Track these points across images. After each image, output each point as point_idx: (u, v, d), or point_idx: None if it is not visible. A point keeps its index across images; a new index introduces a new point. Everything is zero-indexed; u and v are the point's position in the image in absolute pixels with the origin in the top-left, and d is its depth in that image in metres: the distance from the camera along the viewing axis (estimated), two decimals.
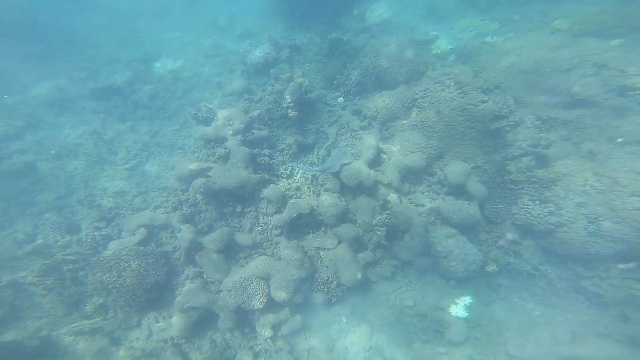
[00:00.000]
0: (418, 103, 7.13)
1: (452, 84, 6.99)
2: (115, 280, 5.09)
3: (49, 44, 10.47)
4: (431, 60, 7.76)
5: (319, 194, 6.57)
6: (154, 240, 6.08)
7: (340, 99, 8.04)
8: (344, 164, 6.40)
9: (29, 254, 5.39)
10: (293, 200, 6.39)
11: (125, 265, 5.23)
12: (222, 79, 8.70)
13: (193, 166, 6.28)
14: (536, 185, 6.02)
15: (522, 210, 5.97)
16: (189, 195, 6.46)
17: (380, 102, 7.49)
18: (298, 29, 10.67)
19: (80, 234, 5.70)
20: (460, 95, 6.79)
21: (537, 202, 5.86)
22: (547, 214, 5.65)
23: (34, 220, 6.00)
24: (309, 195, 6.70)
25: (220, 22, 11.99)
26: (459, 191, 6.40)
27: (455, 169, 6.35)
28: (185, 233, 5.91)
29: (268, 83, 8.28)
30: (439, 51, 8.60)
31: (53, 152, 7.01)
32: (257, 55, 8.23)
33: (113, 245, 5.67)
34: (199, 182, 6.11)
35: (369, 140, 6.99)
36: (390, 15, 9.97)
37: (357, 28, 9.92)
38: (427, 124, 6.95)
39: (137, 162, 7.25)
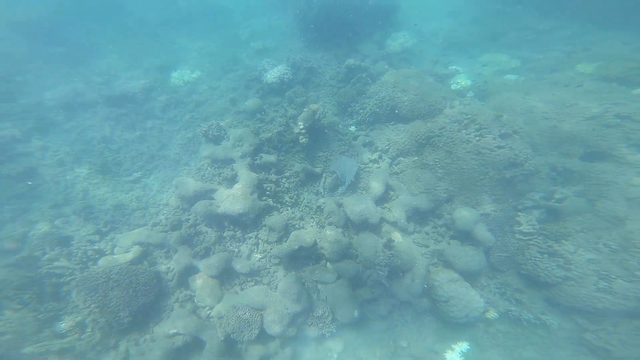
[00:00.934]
0: (432, 141, 6.89)
1: (470, 124, 6.72)
2: (101, 300, 4.85)
3: (73, 45, 10.57)
4: (450, 96, 7.52)
5: (323, 226, 6.37)
6: (147, 259, 5.85)
7: (353, 128, 7.85)
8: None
9: (11, 265, 5.12)
10: (296, 232, 6.18)
11: (114, 284, 5.00)
12: (237, 95, 8.60)
13: (197, 188, 6.07)
14: (545, 239, 5.91)
15: (529, 261, 5.85)
16: (189, 215, 6.26)
17: (394, 135, 7.29)
18: (316, 49, 10.61)
19: (71, 247, 5.43)
20: (477, 138, 6.53)
21: (545, 255, 5.73)
22: (555, 267, 5.59)
23: (25, 227, 5.77)
24: (312, 226, 6.49)
25: (241, 36, 12.07)
26: (465, 236, 6.18)
27: (463, 216, 6.15)
28: (181, 255, 5.73)
29: (281, 104, 8.14)
30: (458, 86, 8.42)
31: (57, 158, 6.87)
32: (273, 75, 8.14)
33: (103, 262, 5.46)
34: (202, 204, 5.96)
35: (379, 175, 6.83)
36: (412, 45, 9.88)
37: (376, 55, 9.81)
38: (439, 164, 6.72)
39: (141, 175, 7.07)
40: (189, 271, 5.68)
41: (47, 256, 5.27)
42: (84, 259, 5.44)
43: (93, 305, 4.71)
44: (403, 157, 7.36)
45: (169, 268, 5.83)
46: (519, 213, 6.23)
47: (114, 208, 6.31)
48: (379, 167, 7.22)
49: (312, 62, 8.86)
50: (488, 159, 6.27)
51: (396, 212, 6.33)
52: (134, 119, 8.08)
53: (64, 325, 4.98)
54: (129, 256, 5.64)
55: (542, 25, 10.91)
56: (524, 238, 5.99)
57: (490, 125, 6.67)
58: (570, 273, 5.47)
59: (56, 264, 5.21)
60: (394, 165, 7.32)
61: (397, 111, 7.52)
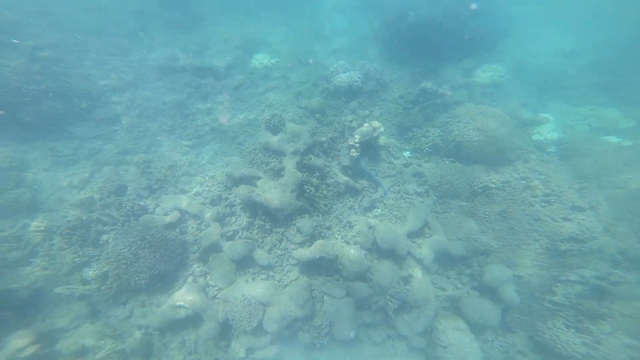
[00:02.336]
0: (490, 193, 6.20)
1: (539, 186, 5.87)
2: (130, 257, 5.27)
3: (187, 13, 11.69)
4: (527, 147, 6.65)
5: (348, 242, 6.34)
6: (180, 226, 6.21)
7: (407, 154, 7.42)
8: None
9: (74, 205, 5.82)
10: (322, 242, 6.14)
11: (146, 245, 5.42)
12: (303, 89, 8.74)
13: (245, 171, 6.32)
14: (579, 314, 5.42)
15: (550, 330, 5.41)
16: (229, 194, 6.52)
17: (449, 174, 6.78)
18: (393, 61, 10.26)
19: (123, 197, 6.01)
20: (543, 204, 5.71)
21: (572, 330, 5.29)
22: (579, 343, 5.12)
23: (94, 167, 6.53)
24: (337, 239, 6.49)
25: (323, 31, 12.15)
26: (488, 290, 5.84)
27: (495, 273, 5.79)
28: (211, 232, 6.03)
29: (343, 109, 7.98)
30: (541, 138, 7.41)
31: (137, 111, 7.67)
32: (343, 80, 8.04)
33: (144, 220, 5.97)
34: (244, 189, 6.22)
35: (420, 210, 6.61)
36: (504, 81, 8.85)
37: (457, 82, 9.10)
38: (488, 218, 6.16)
39: (198, 142, 7.55)
40: (213, 249, 5.94)
41: (102, 202, 5.88)
42: (129, 213, 5.97)
43: (122, 261, 5.12)
44: (451, 199, 6.90)
45: (196, 240, 6.13)
46: (558, 284, 5.66)
47: (168, 168, 6.83)
48: (422, 202, 6.93)
49: (385, 76, 8.51)
50: (547, 228, 5.70)
51: (425, 250, 6.17)
52: (210, 90, 8.70)
53: (91, 273, 5.55)
54: (167, 219, 6.08)
55: None
56: (553, 307, 5.52)
57: (564, 194, 5.85)
58: (596, 353, 4.97)
59: (107, 211, 5.79)
60: (438, 204, 6.97)
61: (461, 149, 6.89)
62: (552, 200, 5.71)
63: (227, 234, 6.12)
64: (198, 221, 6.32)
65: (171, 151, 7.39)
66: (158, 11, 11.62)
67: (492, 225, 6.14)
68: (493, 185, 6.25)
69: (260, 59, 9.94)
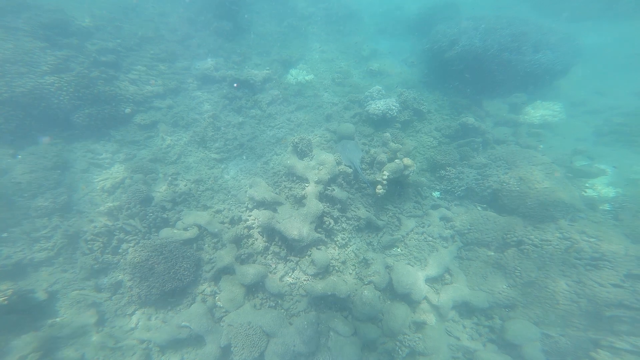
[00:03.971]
0: (524, 248, 5.65)
1: (586, 249, 5.25)
2: (146, 271, 5.46)
3: (235, 22, 12.13)
4: (576, 204, 5.96)
5: (362, 279, 6.23)
6: (197, 242, 6.39)
7: (436, 194, 7.04)
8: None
9: (102, 212, 6.12)
10: (335, 279, 6.09)
11: (163, 260, 5.59)
12: (334, 112, 8.61)
13: (267, 196, 6.45)
14: None
15: None
16: (249, 215, 6.58)
17: (481, 222, 6.39)
18: (433, 88, 9.79)
19: (148, 208, 6.29)
20: (587, 268, 5.28)
21: None
22: None
23: (126, 173, 6.95)
24: (351, 274, 6.39)
25: (363, 52, 11.92)
26: (509, 345, 5.43)
27: (520, 330, 5.40)
28: (226, 253, 6.13)
29: (374, 136, 7.73)
30: (594, 193, 6.58)
31: (173, 119, 7.98)
32: (378, 107, 7.83)
33: (164, 233, 6.18)
34: (265, 215, 6.31)
35: (443, 256, 6.37)
36: (558, 121, 8.04)
37: (501, 117, 8.52)
38: (519, 274, 5.71)
39: (226, 157, 7.69)
40: (226, 270, 6.03)
41: (128, 211, 6.15)
42: (151, 225, 6.24)
43: (137, 274, 5.28)
44: (478, 247, 6.54)
45: (211, 259, 6.24)
46: (599, 350, 5.02)
47: (193, 181, 7.02)
48: (447, 247, 6.64)
49: (424, 106, 8.10)
50: (590, 292, 5.15)
51: (444, 297, 5.98)
52: (243, 104, 8.85)
53: (107, 280, 5.80)
54: (186, 235, 6.25)
55: None
56: None
57: (618, 260, 5.19)
58: None
59: (131, 221, 6.04)
60: (463, 250, 6.67)
61: (498, 197, 6.38)
62: (602, 265, 5.06)
63: (242, 256, 6.18)
64: (215, 240, 6.45)
65: (199, 163, 7.62)
66: (210, 19, 12.11)
67: (522, 281, 5.68)
68: (529, 242, 5.69)
69: (296, 75, 9.98)
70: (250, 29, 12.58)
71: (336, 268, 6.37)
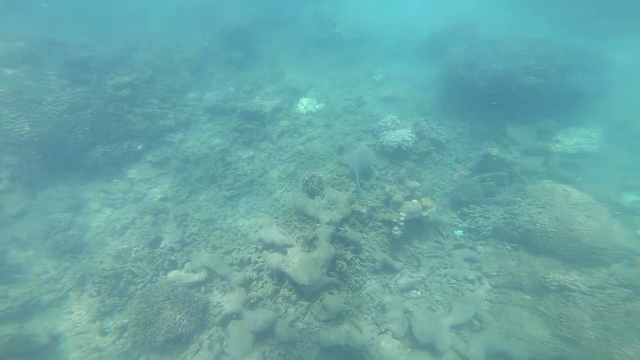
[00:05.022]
0: (567, 296, 5.04)
1: None
2: (151, 316, 5.35)
3: (246, 51, 12.54)
4: (629, 245, 5.27)
5: (379, 326, 5.83)
6: (205, 284, 6.26)
7: (459, 233, 6.59)
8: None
9: (110, 255, 6.11)
10: (349, 329, 5.73)
11: (169, 305, 5.50)
12: (346, 143, 8.33)
13: (277, 238, 6.31)
14: None
15: None
16: (259, 257, 6.39)
17: (512, 265, 5.71)
18: (451, 115, 9.41)
19: (156, 250, 6.28)
20: None
21: None
22: None
23: (136, 214, 7.05)
24: (366, 319, 6.00)
25: (375, 77, 11.80)
26: None
27: None
28: (235, 297, 5.94)
29: (389, 169, 7.40)
30: None
31: (184, 155, 8.04)
32: (393, 139, 7.59)
33: (172, 276, 6.11)
34: (274, 259, 6.12)
35: (469, 302, 5.85)
36: (597, 150, 7.38)
37: (529, 146, 7.96)
38: (566, 324, 5.10)
39: (236, 194, 7.60)
40: (235, 315, 5.85)
41: (135, 254, 6.19)
42: (159, 267, 6.22)
43: (143, 319, 5.14)
44: (511, 290, 5.98)
45: (219, 303, 6.08)
46: None
47: (203, 221, 6.94)
48: (473, 291, 6.14)
49: (442, 136, 7.73)
50: None
51: (474, 348, 5.40)
52: (254, 137, 8.83)
53: (111, 324, 5.74)
54: (194, 278, 6.16)
55: None
56: None
57: None
58: None
59: (139, 264, 6.00)
60: (493, 292, 6.10)
61: (530, 239, 5.82)
62: None
63: (251, 300, 5.99)
64: (224, 282, 6.30)
65: (209, 201, 7.61)
66: (221, 48, 12.59)
67: (572, 332, 4.99)
68: (574, 288, 5.04)
69: (306, 104, 9.95)
70: (261, 57, 12.90)
71: (350, 313, 5.99)
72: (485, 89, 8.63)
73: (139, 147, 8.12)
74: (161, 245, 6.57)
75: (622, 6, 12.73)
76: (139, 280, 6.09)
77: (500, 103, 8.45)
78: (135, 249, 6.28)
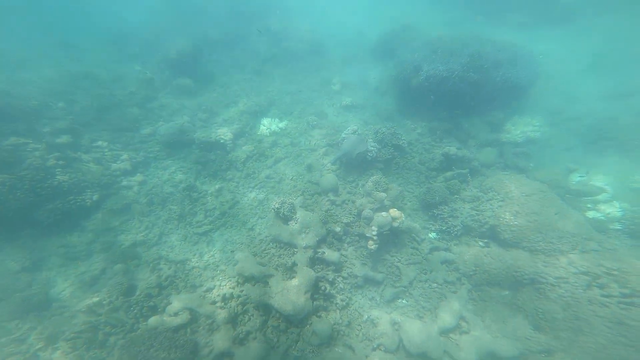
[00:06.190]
0: (539, 287, 5.43)
1: (611, 285, 5.06)
2: None
3: (196, 78, 12.28)
4: (582, 232, 5.81)
5: (371, 341, 5.97)
6: (191, 325, 6.08)
7: (432, 235, 6.94)
8: (360, 152, 7.41)
9: (81, 311, 5.82)
10: (340, 351, 5.90)
11: (154, 353, 5.32)
12: (314, 160, 8.44)
13: (255, 270, 6.31)
14: None
15: None
16: (241, 291, 6.31)
17: (485, 261, 6.09)
18: (410, 115, 9.92)
19: (132, 298, 6.15)
20: (621, 306, 5.10)
21: None
22: None
23: (105, 264, 6.76)
24: (358, 335, 6.14)
25: (333, 86, 12.11)
26: None
27: None
28: (222, 336, 5.84)
29: (359, 181, 7.62)
30: (600, 215, 6.44)
31: (147, 198, 7.78)
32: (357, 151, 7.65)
33: (153, 322, 5.90)
34: (256, 292, 6.13)
35: (454, 305, 6.15)
36: (541, 136, 8.05)
37: (484, 138, 8.58)
38: (542, 317, 5.56)
39: (209, 229, 7.45)
40: (225, 354, 5.72)
41: (110, 306, 5.94)
42: (138, 315, 6.01)
43: None
44: (489, 287, 6.35)
45: (207, 343, 5.92)
46: None
47: (178, 262, 6.76)
48: (456, 293, 6.47)
49: (402, 140, 8.12)
50: (636, 333, 4.86)
51: (466, 351, 5.64)
52: (218, 167, 8.71)
53: None
54: (177, 321, 5.98)
55: None
56: None
57: None
58: None
59: (114, 315, 5.78)
60: (473, 291, 6.47)
61: (497, 233, 6.23)
62: (638, 303, 4.85)
63: (240, 335, 5.91)
64: (209, 320, 6.14)
65: (182, 241, 7.43)
66: (168, 77, 12.18)
67: (550, 324, 5.45)
68: (544, 281, 5.50)
69: (268, 124, 9.97)
70: (213, 81, 12.70)
71: (342, 332, 6.15)
72: (433, 89, 9.18)
73: (95, 197, 7.72)
74: (137, 293, 6.37)
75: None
76: (119, 330, 5.85)
77: (448, 100, 9.03)
78: (108, 300, 6.07)
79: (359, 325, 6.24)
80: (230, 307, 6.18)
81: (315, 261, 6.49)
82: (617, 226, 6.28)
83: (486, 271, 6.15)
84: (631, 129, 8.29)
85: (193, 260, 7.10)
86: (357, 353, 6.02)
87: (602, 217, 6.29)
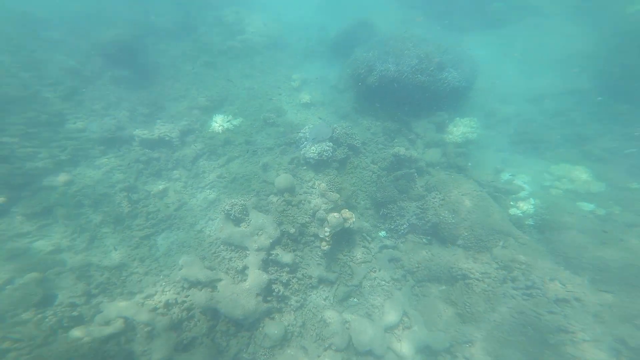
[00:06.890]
0: (468, 283, 6.05)
1: (520, 278, 5.80)
2: None
3: (137, 69, 11.15)
4: (505, 228, 6.57)
5: (324, 340, 6.10)
6: (126, 334, 5.61)
7: (383, 234, 7.32)
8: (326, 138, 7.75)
9: None
10: (292, 353, 5.98)
11: None
12: (270, 160, 8.33)
13: (201, 276, 6.08)
14: None
15: None
16: (186, 296, 6.07)
17: (426, 258, 6.60)
18: (366, 113, 10.32)
19: (48, 309, 5.49)
20: (525, 297, 5.81)
21: None
22: None
23: (15, 273, 5.89)
24: (312, 335, 6.27)
25: (292, 83, 12.01)
26: None
27: None
28: (162, 344, 5.50)
29: (315, 180, 7.72)
30: (518, 212, 7.33)
31: (76, 199, 6.96)
32: (313, 151, 7.88)
33: (77, 332, 5.32)
34: (202, 297, 5.93)
35: (398, 302, 6.55)
36: (477, 137, 8.89)
37: (430, 138, 9.23)
38: (470, 311, 6.14)
39: (151, 232, 6.92)
40: None
41: (13, 319, 5.24)
42: (55, 327, 5.33)
43: None
44: (430, 282, 6.89)
45: (145, 351, 5.53)
46: None
47: (113, 268, 6.17)
48: (400, 289, 6.89)
49: (356, 140, 8.40)
50: (531, 320, 5.60)
51: (406, 347, 6.14)
52: (163, 166, 8.09)
53: None
54: (108, 330, 5.46)
55: None
56: None
57: (546, 287, 5.87)
58: None
59: (18, 328, 5.11)
60: (416, 287, 6.96)
61: (439, 231, 6.78)
62: (535, 294, 5.61)
63: (184, 342, 5.68)
64: (149, 328, 5.71)
65: (118, 244, 6.69)
66: (101, 68, 10.84)
67: (475, 317, 6.06)
68: (472, 276, 6.11)
69: (221, 121, 9.54)
70: (159, 74, 11.70)
71: (296, 333, 6.23)
72: (385, 88, 9.63)
73: (1, 199, 6.63)
74: (56, 303, 5.71)
75: (467, 4, 15.56)
76: (25, 344, 5.01)
77: (399, 100, 9.56)
78: (11, 313, 5.30)
79: (313, 325, 6.35)
80: (173, 313, 5.82)
81: (268, 263, 6.43)
82: (530, 222, 7.25)
83: (427, 267, 6.68)
84: (542, 132, 9.77)
85: (132, 265, 6.58)
86: (310, 353, 6.13)
87: (520, 214, 7.23)
